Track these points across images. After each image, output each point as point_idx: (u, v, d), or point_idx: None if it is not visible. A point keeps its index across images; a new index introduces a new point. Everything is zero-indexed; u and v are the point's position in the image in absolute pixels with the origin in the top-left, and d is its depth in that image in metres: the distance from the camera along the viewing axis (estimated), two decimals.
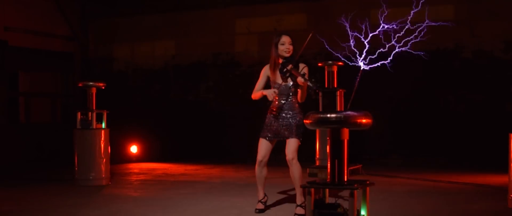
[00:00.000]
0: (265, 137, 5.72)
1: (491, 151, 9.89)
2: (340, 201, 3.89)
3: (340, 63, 9.10)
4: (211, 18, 12.23)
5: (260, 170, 5.81)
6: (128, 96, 12.70)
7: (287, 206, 6.20)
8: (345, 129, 3.57)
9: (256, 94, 5.79)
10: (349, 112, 3.54)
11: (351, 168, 8.70)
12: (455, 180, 8.21)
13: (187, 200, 6.65)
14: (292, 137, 5.57)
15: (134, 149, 11.46)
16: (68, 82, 12.69)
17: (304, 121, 3.75)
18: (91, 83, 8.23)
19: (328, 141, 3.61)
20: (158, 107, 12.41)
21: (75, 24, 12.69)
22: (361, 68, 3.98)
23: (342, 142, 3.58)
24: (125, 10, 12.77)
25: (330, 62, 9.10)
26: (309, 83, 5.13)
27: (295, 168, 5.63)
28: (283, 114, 5.62)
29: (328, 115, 3.53)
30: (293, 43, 5.62)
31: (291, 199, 6.63)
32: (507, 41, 10.08)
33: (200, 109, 12.23)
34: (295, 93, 5.63)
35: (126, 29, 12.87)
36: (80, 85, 8.29)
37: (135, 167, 10.54)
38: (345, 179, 3.61)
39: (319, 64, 9.18)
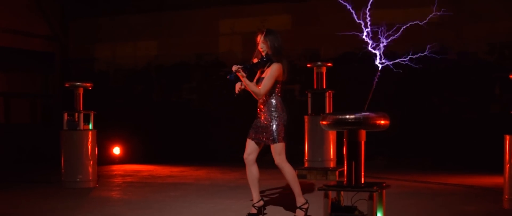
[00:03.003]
0: (249, 136, 5.64)
1: (476, 152, 9.98)
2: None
3: (329, 64, 9.10)
4: (195, 18, 12.13)
5: (250, 170, 5.65)
6: (109, 97, 12.52)
7: (285, 208, 6.12)
8: (363, 130, 3.52)
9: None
10: (367, 113, 3.49)
11: (340, 169, 8.72)
12: (444, 182, 8.23)
13: (180, 203, 6.55)
14: (271, 143, 5.46)
15: (117, 150, 11.30)
16: (48, 82, 12.46)
17: (321, 122, 3.68)
18: (78, 83, 8.07)
19: (345, 143, 3.55)
20: (141, 108, 12.26)
21: (55, 24, 12.48)
22: (379, 69, 3.91)
23: (359, 143, 3.53)
24: (107, 10, 12.60)
25: (319, 63, 9.09)
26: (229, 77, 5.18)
27: (285, 171, 5.51)
28: (262, 115, 5.50)
29: (346, 116, 3.48)
30: (266, 39, 5.40)
31: (286, 200, 6.58)
32: (491, 43, 10.17)
33: (183, 110, 12.12)
34: (279, 89, 5.52)
35: (108, 28, 12.70)
36: (66, 85, 8.12)
37: (119, 169, 10.39)
38: (362, 181, 3.55)
39: (308, 65, 9.16)
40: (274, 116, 5.45)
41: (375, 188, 3.44)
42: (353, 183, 3.51)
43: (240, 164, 10.84)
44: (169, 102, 12.25)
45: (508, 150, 6.09)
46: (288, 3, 11.48)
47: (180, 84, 12.24)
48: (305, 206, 5.59)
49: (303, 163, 8.98)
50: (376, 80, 3.92)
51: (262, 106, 5.52)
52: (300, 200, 5.60)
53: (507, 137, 6.12)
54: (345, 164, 3.59)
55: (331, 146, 8.89)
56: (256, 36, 5.48)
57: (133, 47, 12.61)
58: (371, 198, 3.42)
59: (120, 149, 11.35)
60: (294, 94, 11.40)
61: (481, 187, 7.74)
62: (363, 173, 3.56)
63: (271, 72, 5.36)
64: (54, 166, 9.87)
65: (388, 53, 11.43)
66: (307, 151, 8.86)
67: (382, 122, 3.53)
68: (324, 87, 8.94)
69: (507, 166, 6.07)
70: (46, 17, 12.19)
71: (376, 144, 10.76)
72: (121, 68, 12.67)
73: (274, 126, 5.44)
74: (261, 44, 5.44)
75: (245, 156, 5.67)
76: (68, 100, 12.36)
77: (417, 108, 10.63)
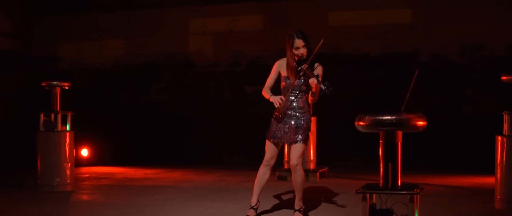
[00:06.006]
0: (270, 140, 5.51)
1: (448, 153, 10.11)
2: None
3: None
4: (164, 17, 11.89)
5: (264, 172, 5.57)
6: (75, 97, 12.12)
7: (282, 211, 6.03)
8: (399, 131, 3.46)
9: (266, 95, 5.47)
10: (405, 114, 3.43)
11: (320, 170, 8.68)
12: (423, 182, 8.28)
13: (169, 206, 6.37)
14: (298, 143, 5.39)
15: (84, 152, 10.97)
16: (10, 81, 12.00)
17: (355, 123, 3.60)
18: (55, 82, 7.78)
19: (381, 144, 3.48)
20: (108, 109, 11.94)
21: (17, 21, 12.03)
22: (416, 70, 3.87)
23: (396, 145, 3.47)
24: (72, 7, 12.22)
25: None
26: (321, 86, 4.97)
27: (298, 174, 5.46)
28: (289, 112, 5.40)
29: (384, 117, 3.41)
30: (306, 43, 5.37)
31: (284, 203, 6.50)
32: (463, 45, 10.32)
33: (152, 111, 11.86)
34: (306, 92, 5.43)
35: (73, 27, 12.32)
36: (43, 84, 7.81)
37: (89, 171, 10.09)
38: (399, 184, 3.48)
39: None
40: (304, 114, 5.40)
41: (416, 190, 3.38)
42: (390, 185, 3.44)
43: (214, 165, 10.79)
44: (138, 102, 11.97)
45: (500, 151, 6.15)
46: (259, 3, 11.39)
47: (149, 84, 11.99)
48: (303, 209, 5.58)
49: (283, 165, 8.91)
50: (414, 80, 3.84)
51: (292, 101, 5.38)
52: (300, 203, 5.59)
53: (499, 138, 6.18)
54: (381, 166, 3.51)
55: (311, 148, 8.86)
56: (293, 43, 5.28)
57: (100, 46, 12.28)
58: (412, 200, 3.36)
59: (88, 151, 11.01)
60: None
61: (465, 187, 7.83)
62: (400, 175, 3.49)
63: (322, 74, 5.26)
64: (25, 168, 9.56)
65: (360, 55, 11.51)
66: (287, 152, 8.78)
67: (421, 123, 3.48)
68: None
69: (499, 166, 6.13)
70: (7, 14, 11.74)
71: (349, 145, 10.79)
72: (86, 67, 12.32)
73: (304, 125, 5.39)
74: (302, 49, 5.30)
75: (267, 159, 5.56)
76: (31, 100, 12.00)
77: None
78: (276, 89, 5.51)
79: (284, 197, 6.95)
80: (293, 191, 7.20)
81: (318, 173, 8.63)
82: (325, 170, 9.15)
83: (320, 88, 5.01)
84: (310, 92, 5.28)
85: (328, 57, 10.07)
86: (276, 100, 5.31)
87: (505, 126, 6.19)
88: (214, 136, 11.50)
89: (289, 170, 8.67)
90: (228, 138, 11.43)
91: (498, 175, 6.15)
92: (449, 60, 10.37)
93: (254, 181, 8.35)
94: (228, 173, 9.68)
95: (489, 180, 8.28)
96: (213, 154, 11.50)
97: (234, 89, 11.54)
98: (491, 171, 8.35)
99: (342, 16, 10.93)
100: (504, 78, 6.26)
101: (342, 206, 6.20)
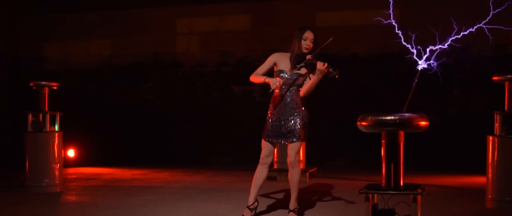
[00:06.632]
0: (265, 138, 5.47)
1: (436, 153, 10.16)
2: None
3: None
4: (151, 17, 11.82)
5: (260, 171, 5.50)
6: (60, 97, 12.00)
7: (279, 212, 6.01)
8: (402, 131, 3.46)
9: (258, 78, 5.33)
10: (407, 114, 3.43)
11: (310, 170, 8.67)
12: (412, 182, 8.30)
13: (161, 207, 6.32)
14: (296, 141, 5.36)
15: (71, 153, 10.86)
16: None
17: (358, 123, 3.59)
18: (44, 82, 7.70)
19: (383, 144, 3.47)
20: (94, 109, 11.84)
21: (3, 21, 11.89)
22: (419, 70, 3.86)
23: (398, 145, 3.46)
24: (58, 7, 12.10)
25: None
26: (330, 70, 4.96)
27: (295, 172, 5.44)
28: (286, 110, 5.35)
29: (387, 118, 3.40)
30: (315, 40, 5.35)
31: (279, 203, 6.48)
32: (451, 45, 10.34)
33: (139, 111, 11.79)
34: (301, 86, 5.40)
35: (59, 26, 12.20)
36: (31, 84, 7.71)
37: (76, 172, 9.99)
38: (401, 184, 3.48)
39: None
40: (300, 110, 5.39)
41: (419, 190, 3.38)
42: (392, 185, 3.43)
43: (202, 165, 10.74)
44: (125, 103, 11.89)
45: (491, 151, 6.18)
46: (247, 2, 11.36)
47: (136, 84, 11.91)
48: (297, 210, 5.56)
49: (272, 165, 8.88)
50: (416, 81, 3.83)
51: (286, 96, 5.34)
52: (295, 204, 5.55)
53: (490, 137, 6.21)
54: (384, 166, 3.50)
55: (301, 148, 8.82)
56: (303, 32, 5.30)
57: (86, 46, 12.17)
58: (415, 200, 3.35)
59: (74, 151, 10.91)
60: (253, 95, 11.29)
61: (455, 187, 7.87)
62: (402, 175, 3.48)
63: None
64: (12, 169, 9.46)
65: (348, 55, 11.51)
66: (276, 152, 8.75)
67: (423, 123, 3.48)
68: None
69: (491, 166, 6.16)
70: None
71: (336, 145, 10.80)
72: (72, 67, 12.21)
73: (302, 123, 5.37)
74: (309, 42, 5.29)
75: (263, 157, 5.49)
76: (17, 100, 11.86)
77: (376, 110, 10.71)
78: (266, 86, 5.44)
79: (277, 197, 6.93)
80: (284, 191, 7.22)
81: (307, 173, 8.62)
82: (314, 171, 9.15)
83: (328, 71, 4.98)
84: (311, 78, 5.23)
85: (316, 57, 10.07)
86: (274, 81, 5.20)
87: (496, 125, 6.22)
88: (201, 136, 11.46)
89: (278, 170, 8.66)
90: (216, 138, 11.40)
91: (490, 175, 6.18)
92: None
93: (243, 181, 8.40)
94: (217, 173, 9.64)
95: (477, 180, 8.34)
96: (201, 154, 11.46)
97: (221, 89, 11.51)
98: (479, 171, 8.44)
99: (330, 17, 10.93)
100: (496, 78, 6.29)
101: (352, 202, 6.23)
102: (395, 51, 10.65)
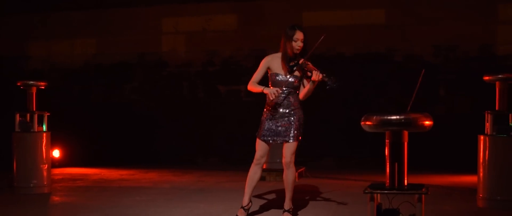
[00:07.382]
0: (261, 137, 5.44)
1: (422, 153, 10.20)
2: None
3: None
4: (136, 16, 11.72)
5: (254, 171, 5.48)
6: (45, 97, 11.86)
7: (272, 212, 5.99)
8: (406, 131, 3.46)
9: (256, 88, 5.32)
10: (411, 114, 3.43)
11: (299, 170, 8.66)
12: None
13: (153, 208, 6.27)
14: (291, 141, 5.35)
15: (56, 153, 10.74)
16: None
17: (362, 122, 3.58)
18: (31, 82, 7.60)
19: (387, 144, 3.47)
20: (79, 109, 11.72)
21: None
22: (423, 70, 3.87)
23: (402, 145, 3.46)
24: (41, 5, 11.95)
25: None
26: (326, 79, 4.91)
27: (290, 172, 5.44)
28: (281, 110, 5.33)
29: (391, 117, 3.40)
30: (305, 40, 5.32)
31: (272, 204, 6.47)
32: (437, 45, 10.43)
33: (124, 111, 11.69)
34: (298, 88, 5.39)
35: (43, 25, 12.06)
36: (18, 84, 7.61)
37: (62, 172, 9.88)
38: (405, 183, 3.48)
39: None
40: (296, 111, 5.36)
41: (423, 190, 3.38)
42: (396, 185, 3.43)
43: (189, 166, 10.67)
44: (110, 102, 11.78)
45: (482, 150, 6.22)
46: (233, 2, 11.32)
47: (121, 84, 11.81)
48: (292, 210, 5.56)
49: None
50: (420, 80, 3.84)
51: (283, 99, 5.30)
52: (290, 204, 5.55)
53: (481, 137, 6.25)
54: (388, 165, 3.50)
55: (295, 148, 8.81)
56: (293, 33, 5.24)
57: (70, 45, 12.04)
58: (420, 200, 3.35)
59: (59, 151, 10.79)
60: (240, 95, 11.26)
61: (444, 186, 7.91)
62: (406, 175, 3.48)
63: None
64: None
65: (335, 55, 11.51)
66: None
67: (427, 122, 3.48)
68: None
69: (482, 166, 6.20)
70: None
71: (324, 144, 10.81)
72: (57, 67, 12.07)
73: (297, 123, 5.34)
74: (300, 42, 5.25)
75: (257, 158, 5.46)
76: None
77: (363, 109, 10.73)
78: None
79: (268, 197, 6.92)
80: (275, 191, 7.20)
81: (297, 173, 8.59)
82: (303, 170, 9.15)
83: (325, 82, 4.93)
84: (307, 84, 5.22)
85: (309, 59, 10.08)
86: (272, 92, 5.17)
87: (487, 125, 6.26)
88: (188, 136, 11.40)
89: (268, 170, 8.63)
90: (202, 138, 11.35)
91: (481, 174, 6.22)
92: (423, 60, 10.46)
93: (232, 181, 8.38)
94: (205, 173, 9.59)
95: (466, 179, 8.41)
96: (187, 155, 11.40)
97: (207, 89, 11.46)
98: (467, 170, 8.52)
99: (316, 16, 10.93)
100: (487, 78, 6.33)
101: (344, 203, 6.23)
102: (382, 51, 10.71)
